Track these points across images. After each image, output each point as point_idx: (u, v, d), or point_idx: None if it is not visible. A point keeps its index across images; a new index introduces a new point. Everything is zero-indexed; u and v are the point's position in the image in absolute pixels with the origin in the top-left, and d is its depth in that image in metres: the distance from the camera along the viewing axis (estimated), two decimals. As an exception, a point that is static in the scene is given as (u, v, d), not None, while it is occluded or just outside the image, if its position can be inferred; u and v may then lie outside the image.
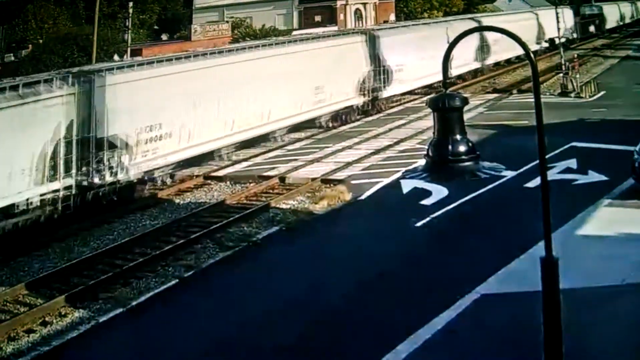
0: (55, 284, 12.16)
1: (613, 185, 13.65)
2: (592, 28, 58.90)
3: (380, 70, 27.11)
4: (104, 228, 15.34)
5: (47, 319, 10.77)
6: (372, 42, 27.01)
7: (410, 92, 30.77)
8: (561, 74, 30.43)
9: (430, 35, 31.34)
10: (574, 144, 18.16)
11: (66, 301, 11.20)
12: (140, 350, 9.57)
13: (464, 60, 33.37)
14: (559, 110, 23.29)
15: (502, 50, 37.25)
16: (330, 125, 24.65)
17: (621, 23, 68.80)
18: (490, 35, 35.72)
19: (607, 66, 38.75)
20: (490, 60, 38.34)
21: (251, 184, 18.07)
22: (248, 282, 11.60)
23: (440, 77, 30.39)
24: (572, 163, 16.47)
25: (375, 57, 26.93)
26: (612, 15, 65.77)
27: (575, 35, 52.30)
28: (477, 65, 36.87)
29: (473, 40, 34.72)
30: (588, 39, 54.94)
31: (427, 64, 29.54)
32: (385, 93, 27.86)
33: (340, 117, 25.25)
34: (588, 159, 16.61)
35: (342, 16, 55.31)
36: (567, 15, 49.88)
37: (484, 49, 36.80)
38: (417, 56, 29.43)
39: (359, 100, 26.11)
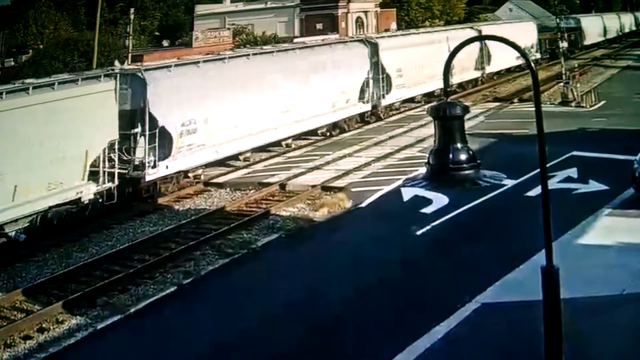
0: (52, 290, 12.10)
1: (613, 194, 13.62)
2: (564, 45, 50.48)
3: (151, 135, 16.63)
4: (103, 234, 15.30)
5: (44, 325, 10.72)
6: (137, 89, 16.70)
7: (231, 159, 20.41)
8: (562, 84, 30.48)
9: (256, 72, 20.49)
10: (574, 153, 18.16)
11: (63, 307, 11.14)
12: (138, 358, 9.51)
13: (313, 110, 22.51)
14: (560, 119, 23.30)
15: (413, 83, 28.65)
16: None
17: (604, 38, 60.23)
18: (393, 63, 26.90)
19: (607, 76, 38.86)
20: (391, 99, 27.45)
21: (251, 191, 18.04)
22: (247, 289, 11.55)
23: (280, 135, 21.37)
24: (573, 172, 16.46)
25: (142, 116, 16.63)
26: (592, 29, 56.61)
27: (538, 55, 43.11)
28: (357, 109, 25.39)
29: (357, 73, 24.96)
30: (555, 60, 42.86)
31: (247, 116, 19.69)
32: (162, 171, 17.04)
33: (51, 220, 14.70)
34: (589, 168, 16.59)
35: (343, 24, 55.47)
36: (529, 31, 41.70)
37: (380, 82, 26.32)
38: (232, 105, 19.20)
39: (90, 190, 15.42)
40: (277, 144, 22.21)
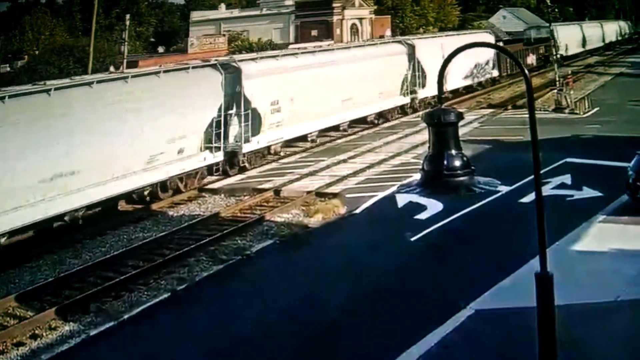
0: (45, 297, 12.04)
1: (607, 201, 13.65)
2: (531, 59, 43.71)
3: None
4: (97, 240, 15.24)
5: (37, 331, 10.65)
6: None
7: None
8: (555, 90, 30.60)
9: (23, 119, 14.12)
10: (568, 159, 18.22)
11: (56, 314, 11.07)
12: (131, 364, 9.46)
13: (114, 171, 15.66)
14: (554, 126, 23.38)
15: (299, 118, 22.08)
16: None
17: (583, 49, 55.37)
18: (264, 94, 20.58)
19: (601, 83, 39.05)
20: (262, 142, 20.85)
21: (246, 197, 18.02)
22: (241, 296, 11.52)
23: (56, 208, 13.23)
24: (567, 179, 16.50)
25: None
26: (569, 38, 50.91)
27: (495, 73, 37.14)
28: (200, 161, 18.44)
29: (203, 110, 18.30)
30: (517, 76, 37.62)
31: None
32: None
33: None
34: (582, 174, 16.65)
35: (338, 31, 55.64)
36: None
37: (244, 120, 19.80)
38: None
39: None
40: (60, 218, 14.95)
